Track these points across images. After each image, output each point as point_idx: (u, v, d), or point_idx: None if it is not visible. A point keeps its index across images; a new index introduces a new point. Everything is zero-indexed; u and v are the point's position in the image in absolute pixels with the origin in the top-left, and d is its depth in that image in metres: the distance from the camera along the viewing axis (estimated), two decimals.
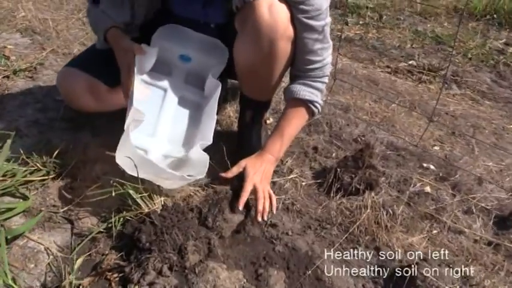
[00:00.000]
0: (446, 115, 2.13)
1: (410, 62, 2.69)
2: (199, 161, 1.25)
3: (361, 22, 3.31)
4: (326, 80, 1.39)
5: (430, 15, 3.65)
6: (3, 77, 1.90)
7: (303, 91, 1.35)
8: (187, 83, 1.51)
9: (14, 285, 0.97)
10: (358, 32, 3.09)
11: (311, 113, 1.40)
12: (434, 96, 2.33)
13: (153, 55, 1.36)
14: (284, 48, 1.28)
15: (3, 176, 1.31)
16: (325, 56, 1.34)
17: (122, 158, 1.17)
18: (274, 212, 1.31)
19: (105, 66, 1.39)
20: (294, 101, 1.37)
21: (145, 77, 1.43)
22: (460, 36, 3.15)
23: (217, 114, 1.75)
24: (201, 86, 1.49)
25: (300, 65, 1.35)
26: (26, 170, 1.34)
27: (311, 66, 1.33)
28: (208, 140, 1.29)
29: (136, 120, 1.24)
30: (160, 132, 1.41)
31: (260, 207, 1.26)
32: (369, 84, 2.27)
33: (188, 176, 1.21)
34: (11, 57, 2.07)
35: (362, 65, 2.62)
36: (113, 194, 1.20)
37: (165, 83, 1.48)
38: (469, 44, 3.05)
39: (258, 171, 1.32)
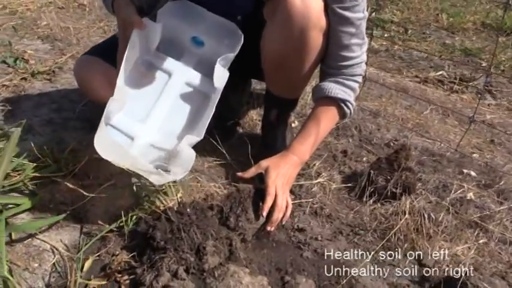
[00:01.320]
0: (483, 123, 1.99)
1: (440, 73, 2.57)
2: (184, 157, 1.10)
3: (386, 35, 3.22)
4: (360, 79, 1.28)
5: (457, 30, 3.54)
6: (21, 79, 1.85)
7: (335, 89, 1.24)
8: (197, 69, 1.32)
9: (10, 278, 0.87)
10: (384, 43, 2.99)
11: (342, 114, 1.28)
12: (468, 105, 2.20)
13: (156, 32, 1.22)
14: (316, 39, 1.18)
15: (12, 171, 1.22)
16: (360, 52, 1.23)
17: (99, 142, 1.01)
18: (283, 223, 1.17)
19: None
20: (324, 100, 1.26)
21: (149, 56, 1.29)
22: (490, 49, 3.03)
23: (240, 118, 1.68)
24: (211, 75, 1.26)
25: (332, 62, 1.24)
26: (36, 166, 1.25)
27: (344, 63, 1.23)
28: (199, 135, 1.12)
29: (117, 101, 1.10)
30: (153, 119, 1.24)
31: (275, 217, 1.13)
32: (398, 92, 2.15)
33: (166, 171, 1.07)
34: (30, 61, 2.03)
35: (389, 74, 2.51)
36: (127, 191, 1.10)
37: (171, 67, 1.29)
38: (500, 57, 2.93)
39: (280, 174, 1.19)
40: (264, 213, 1.11)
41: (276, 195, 1.14)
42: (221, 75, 1.18)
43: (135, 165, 1.04)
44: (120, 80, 1.12)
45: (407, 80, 2.47)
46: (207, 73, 1.26)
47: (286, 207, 1.15)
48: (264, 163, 1.21)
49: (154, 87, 1.28)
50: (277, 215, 1.12)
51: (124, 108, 1.23)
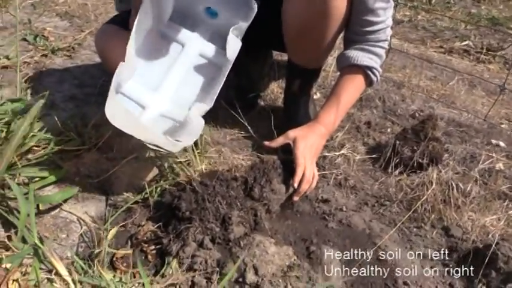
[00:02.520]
0: None
1: (466, 42, 2.49)
2: (194, 125, 1.08)
3: (409, 5, 3.11)
4: (386, 44, 1.24)
5: None
6: (42, 56, 1.85)
7: (361, 57, 1.20)
8: (211, 41, 1.28)
9: (41, 246, 0.88)
10: (407, 13, 2.90)
11: (369, 82, 1.25)
12: (496, 75, 2.13)
13: (168, 1, 1.20)
14: (339, 4, 1.14)
15: (37, 146, 1.23)
16: (385, 17, 1.19)
17: (110, 109, 0.98)
18: (307, 193, 1.16)
19: None
20: (350, 68, 1.23)
21: (162, 27, 1.25)
22: None
23: (261, 90, 1.66)
24: (224, 47, 1.20)
25: (357, 28, 1.20)
26: (60, 140, 1.26)
27: (370, 28, 1.19)
28: (208, 104, 1.11)
29: (127, 67, 1.08)
30: (165, 89, 1.22)
31: (302, 188, 1.11)
32: (423, 63, 2.09)
33: (177, 140, 1.05)
34: (50, 38, 2.03)
35: (413, 45, 2.43)
36: (151, 163, 1.09)
37: (184, 37, 1.26)
38: None
39: (308, 145, 1.16)
40: (295, 185, 1.09)
41: (304, 168, 1.12)
42: (234, 46, 1.13)
43: (145, 134, 1.03)
44: (131, 47, 1.09)
45: (431, 50, 2.40)
46: (222, 45, 1.21)
47: (313, 178, 1.14)
48: (292, 133, 1.18)
49: (167, 57, 1.25)
50: (305, 186, 1.11)
51: (136, 76, 1.21)
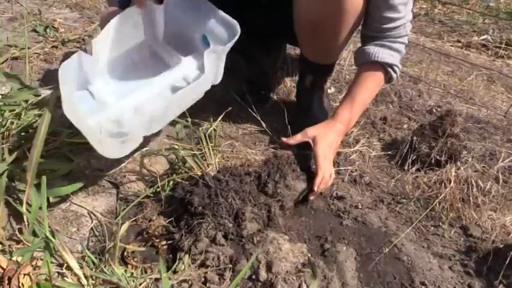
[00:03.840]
0: None
1: (484, 37, 2.43)
2: (128, 142, 1.01)
3: None
4: (406, 40, 1.20)
5: None
6: (52, 47, 1.84)
7: (381, 53, 1.16)
8: (200, 68, 1.20)
9: (53, 239, 0.87)
10: (424, 6, 2.84)
11: (389, 79, 1.21)
12: None
13: (159, 16, 1.18)
14: (354, 0, 1.10)
15: (47, 138, 1.22)
16: (405, 12, 1.14)
17: (66, 99, 0.93)
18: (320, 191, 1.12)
19: None
20: (369, 65, 1.19)
21: (155, 45, 1.24)
22: None
23: (273, 84, 1.62)
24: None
25: (376, 25, 1.16)
26: (71, 133, 1.24)
27: (390, 25, 1.14)
28: (155, 128, 1.06)
29: (92, 61, 1.06)
30: (131, 99, 1.15)
31: (320, 188, 1.08)
32: (440, 58, 2.04)
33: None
34: (60, 30, 2.02)
35: (429, 39, 2.38)
36: (163, 156, 1.07)
37: (173, 60, 1.22)
38: None
39: (328, 144, 1.14)
40: (316, 188, 1.07)
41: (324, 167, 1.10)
42: (208, 67, 1.09)
43: (85, 130, 0.95)
44: (101, 40, 1.08)
45: (448, 45, 2.34)
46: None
47: (330, 176, 1.11)
48: (311, 132, 1.15)
49: (149, 73, 1.21)
50: (322, 186, 1.09)
51: (110, 79, 1.18)
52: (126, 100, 1.15)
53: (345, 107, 1.19)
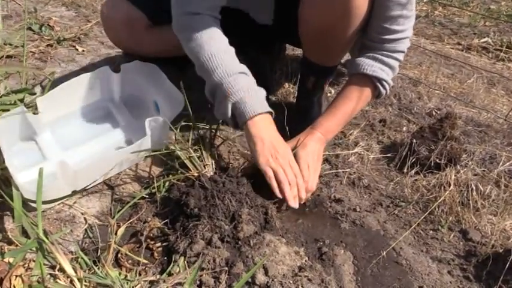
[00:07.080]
0: None
1: (485, 39, 2.41)
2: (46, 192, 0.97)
3: (425, 0, 3.04)
4: (401, 56, 1.16)
5: None
6: (47, 46, 1.82)
7: (371, 66, 1.13)
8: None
9: (46, 240, 0.85)
10: (424, 8, 2.83)
11: (377, 94, 1.18)
12: None
13: (117, 80, 1.28)
14: (360, 3, 1.07)
15: None
16: (405, 26, 1.11)
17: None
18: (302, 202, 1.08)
19: None
20: (359, 77, 1.16)
21: (111, 105, 1.32)
22: None
23: (271, 85, 1.61)
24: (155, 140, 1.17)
25: (373, 34, 1.13)
26: None
27: (387, 37, 1.12)
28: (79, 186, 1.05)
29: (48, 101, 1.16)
30: (74, 153, 1.17)
31: (305, 197, 1.07)
32: (440, 60, 2.03)
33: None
34: (56, 28, 2.00)
35: (429, 41, 2.37)
36: (158, 157, 1.06)
37: (125, 121, 1.28)
38: None
39: (309, 152, 1.11)
40: (303, 198, 1.05)
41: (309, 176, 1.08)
42: (147, 136, 1.10)
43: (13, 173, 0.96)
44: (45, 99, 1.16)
45: (448, 47, 2.33)
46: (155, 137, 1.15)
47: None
48: (289, 145, 1.11)
49: (97, 130, 1.26)
50: (307, 196, 1.07)
51: (57, 130, 1.22)
52: (68, 154, 1.16)
53: (326, 117, 1.17)
